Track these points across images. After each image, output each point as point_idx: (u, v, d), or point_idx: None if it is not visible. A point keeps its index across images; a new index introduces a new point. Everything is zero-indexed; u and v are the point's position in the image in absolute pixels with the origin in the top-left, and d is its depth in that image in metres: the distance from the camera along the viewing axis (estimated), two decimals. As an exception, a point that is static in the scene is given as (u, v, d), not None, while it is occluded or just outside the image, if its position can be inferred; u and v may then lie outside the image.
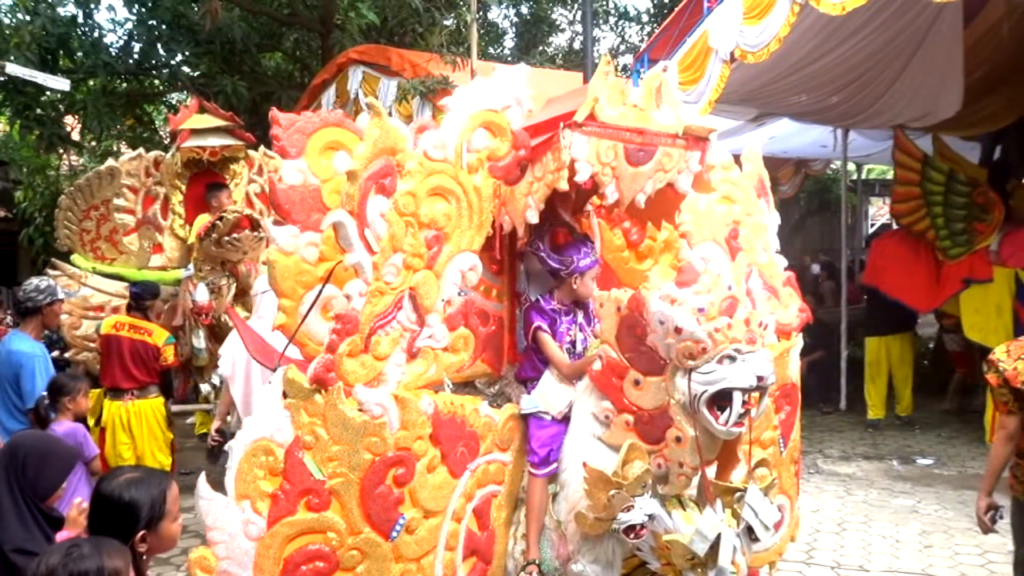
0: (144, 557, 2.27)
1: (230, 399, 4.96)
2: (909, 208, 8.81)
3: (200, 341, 6.64)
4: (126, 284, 6.81)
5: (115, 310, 6.77)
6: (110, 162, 7.50)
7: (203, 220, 6.70)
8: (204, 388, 6.86)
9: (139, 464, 5.97)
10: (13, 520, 2.92)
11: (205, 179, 7.24)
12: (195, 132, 6.99)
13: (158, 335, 6.15)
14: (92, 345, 6.64)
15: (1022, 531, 3.84)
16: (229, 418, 5.34)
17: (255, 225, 6.51)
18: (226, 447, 2.70)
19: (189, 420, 8.38)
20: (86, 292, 6.87)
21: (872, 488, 7.00)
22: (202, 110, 7.23)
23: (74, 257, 7.40)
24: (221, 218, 6.38)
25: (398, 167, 2.88)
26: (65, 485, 3.13)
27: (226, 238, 6.39)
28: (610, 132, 3.07)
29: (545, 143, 3.11)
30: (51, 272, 6.90)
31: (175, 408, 7.16)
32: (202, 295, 6.55)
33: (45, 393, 4.65)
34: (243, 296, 6.67)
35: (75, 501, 2.97)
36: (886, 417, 9.07)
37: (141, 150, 7.76)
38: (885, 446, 8.35)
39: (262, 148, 7.70)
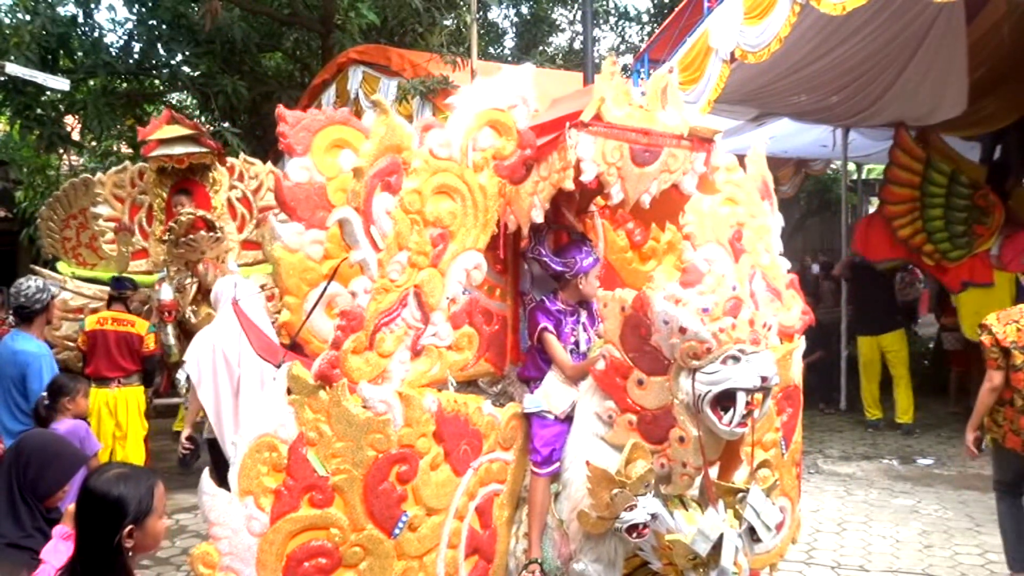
0: (131, 554, 2.26)
1: (198, 405, 4.86)
2: (905, 210, 8.75)
3: (169, 338, 7.00)
4: (103, 287, 7.16)
5: (93, 312, 7.02)
6: (99, 175, 7.88)
7: None
8: (179, 382, 7.09)
9: (123, 439, 6.31)
10: (7, 517, 2.93)
11: (184, 186, 7.54)
12: (162, 142, 7.23)
13: (140, 325, 6.59)
14: (71, 344, 6.96)
15: (999, 463, 4.79)
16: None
17: (210, 226, 7.02)
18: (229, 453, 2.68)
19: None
20: (65, 295, 7.16)
21: (872, 488, 7.01)
22: (172, 121, 7.39)
23: (59, 264, 7.84)
24: (177, 220, 6.89)
25: (404, 165, 2.89)
26: (68, 488, 3.14)
27: (183, 239, 6.88)
28: (616, 132, 3.07)
29: (551, 143, 3.11)
30: None
31: (162, 402, 7.48)
32: (166, 294, 7.01)
33: (44, 393, 4.64)
34: (207, 295, 6.85)
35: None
36: (886, 418, 9.06)
37: (127, 162, 8.20)
38: (885, 446, 8.35)
39: (242, 155, 8.07)
